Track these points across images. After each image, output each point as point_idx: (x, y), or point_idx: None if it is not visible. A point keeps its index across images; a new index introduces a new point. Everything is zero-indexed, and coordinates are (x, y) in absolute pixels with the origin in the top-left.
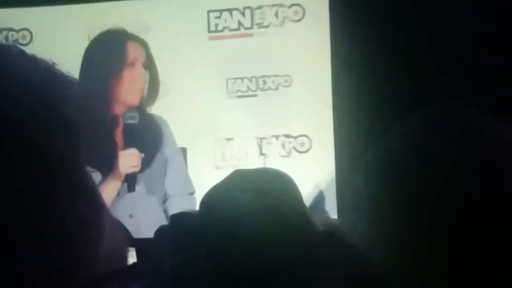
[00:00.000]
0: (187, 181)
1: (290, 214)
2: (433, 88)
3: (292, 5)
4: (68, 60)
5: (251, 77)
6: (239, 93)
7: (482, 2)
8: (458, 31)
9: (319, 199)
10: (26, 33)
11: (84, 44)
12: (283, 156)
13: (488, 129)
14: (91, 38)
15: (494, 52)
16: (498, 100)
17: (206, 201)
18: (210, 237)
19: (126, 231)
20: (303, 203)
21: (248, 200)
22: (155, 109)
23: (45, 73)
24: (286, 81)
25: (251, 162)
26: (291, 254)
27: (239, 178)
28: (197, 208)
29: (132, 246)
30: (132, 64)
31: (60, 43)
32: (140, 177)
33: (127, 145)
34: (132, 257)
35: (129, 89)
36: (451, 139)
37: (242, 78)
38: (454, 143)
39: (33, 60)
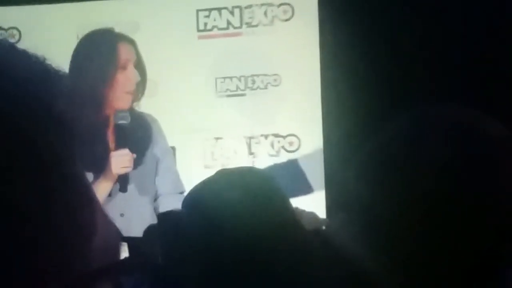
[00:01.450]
0: (178, 180)
1: (276, 213)
2: (423, 87)
3: (281, 4)
4: (57, 58)
5: (240, 76)
6: (228, 92)
7: (476, 5)
8: (448, 30)
9: (308, 198)
10: (15, 31)
11: (73, 43)
12: (272, 156)
13: (481, 127)
14: (80, 37)
15: (486, 51)
16: (490, 99)
17: (191, 200)
18: (196, 235)
19: (117, 227)
20: (288, 201)
21: (234, 199)
22: (144, 108)
23: (36, 67)
24: (275, 80)
25: (240, 161)
26: (279, 252)
27: (224, 178)
28: None
29: (124, 241)
30: (124, 66)
31: (48, 41)
32: (132, 176)
33: (119, 145)
34: (124, 252)
35: (121, 92)
36: (444, 137)
37: (231, 77)
38: (447, 141)
39: (24, 55)
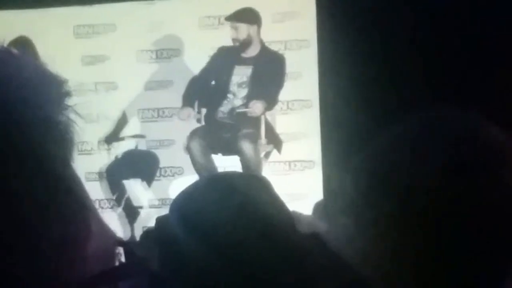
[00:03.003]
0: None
1: (271, 216)
2: (421, 92)
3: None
4: (54, 62)
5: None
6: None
7: (471, 6)
8: (452, 32)
9: (307, 203)
10: None
11: (71, 46)
12: (271, 162)
13: (483, 132)
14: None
15: (487, 54)
16: (491, 104)
17: (185, 206)
18: (187, 240)
19: (113, 232)
20: (284, 205)
21: (225, 203)
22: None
23: (35, 72)
24: None
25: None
26: (275, 256)
27: (213, 182)
28: None
29: (120, 245)
30: None
31: (46, 45)
32: None
33: None
34: (121, 257)
35: None
36: (444, 142)
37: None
38: (448, 146)
39: (22, 60)
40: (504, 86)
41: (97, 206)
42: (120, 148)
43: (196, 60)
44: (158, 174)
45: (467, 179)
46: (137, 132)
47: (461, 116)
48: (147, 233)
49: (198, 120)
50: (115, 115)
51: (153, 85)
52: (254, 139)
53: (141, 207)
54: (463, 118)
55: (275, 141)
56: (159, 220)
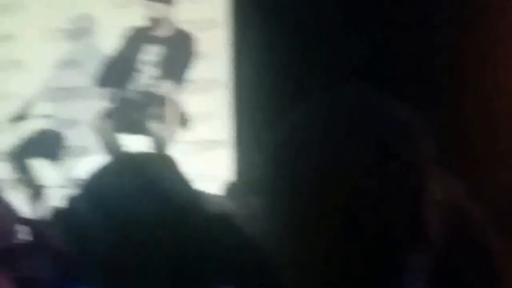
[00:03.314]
0: None
1: (178, 196)
2: (336, 74)
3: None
4: None
5: None
6: None
7: None
8: (366, 16)
9: (218, 183)
10: None
11: None
12: (180, 142)
13: (388, 111)
14: None
15: (402, 37)
16: (405, 85)
17: (91, 185)
18: (96, 220)
19: (16, 211)
20: (191, 185)
21: (133, 183)
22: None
23: None
24: None
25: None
26: (181, 236)
27: (123, 161)
28: None
29: (23, 224)
30: None
31: None
32: None
33: None
34: (24, 235)
35: None
36: (347, 123)
37: None
38: (352, 127)
39: None
40: (419, 67)
41: (3, 186)
42: (27, 127)
43: (106, 39)
44: (65, 154)
45: (376, 160)
46: (45, 111)
47: (370, 96)
48: (55, 212)
49: (107, 100)
50: (23, 94)
51: (61, 65)
52: (162, 118)
53: (47, 187)
54: (372, 98)
55: (183, 120)
56: (69, 199)
